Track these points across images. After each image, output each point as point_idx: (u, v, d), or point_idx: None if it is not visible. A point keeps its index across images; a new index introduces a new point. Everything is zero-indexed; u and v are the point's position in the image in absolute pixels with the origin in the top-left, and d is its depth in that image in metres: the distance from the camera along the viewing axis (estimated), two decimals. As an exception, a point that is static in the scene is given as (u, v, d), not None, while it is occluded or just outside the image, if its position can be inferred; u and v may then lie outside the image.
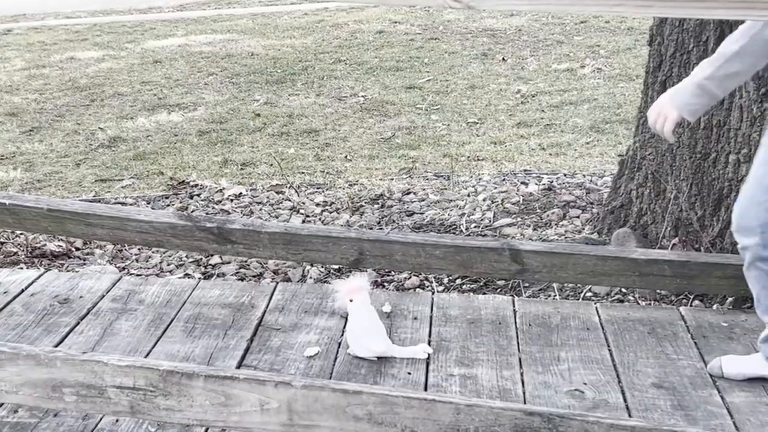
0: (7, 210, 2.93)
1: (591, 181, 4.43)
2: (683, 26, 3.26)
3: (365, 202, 4.38)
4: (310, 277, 3.54)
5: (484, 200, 4.21)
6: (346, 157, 5.35)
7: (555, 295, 3.23)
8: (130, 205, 4.46)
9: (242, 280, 3.48)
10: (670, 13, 1.76)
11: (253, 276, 3.57)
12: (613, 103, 6.16)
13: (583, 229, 3.78)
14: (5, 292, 2.93)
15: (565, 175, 4.60)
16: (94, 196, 4.76)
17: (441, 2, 1.76)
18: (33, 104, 7.11)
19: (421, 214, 4.14)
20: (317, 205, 4.41)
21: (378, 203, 4.36)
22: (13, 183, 5.08)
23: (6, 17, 13.54)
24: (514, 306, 2.99)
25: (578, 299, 3.20)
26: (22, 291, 2.96)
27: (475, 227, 3.90)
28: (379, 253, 2.95)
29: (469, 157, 5.16)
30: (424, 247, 2.93)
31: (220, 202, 4.55)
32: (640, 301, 3.16)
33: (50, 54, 9.51)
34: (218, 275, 3.57)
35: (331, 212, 4.31)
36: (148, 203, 4.58)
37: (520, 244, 2.93)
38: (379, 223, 4.09)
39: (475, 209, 4.11)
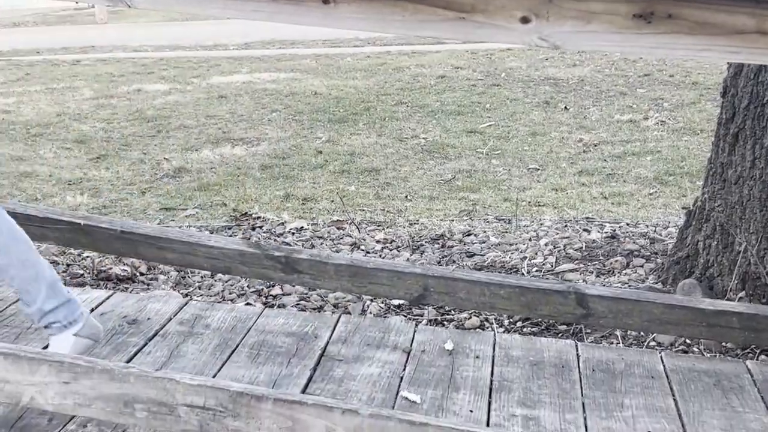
0: (82, 230, 3.00)
1: (655, 231, 4.40)
2: (758, 78, 3.25)
3: (426, 242, 4.39)
4: (370, 312, 3.55)
5: (545, 245, 4.20)
6: (406, 196, 5.38)
7: (618, 342, 3.20)
8: (193, 232, 4.52)
9: (303, 311, 3.50)
10: (757, 60, 1.76)
11: (314, 308, 3.59)
12: (676, 155, 6.12)
13: (647, 278, 3.74)
14: (75, 311, 2.99)
15: (628, 224, 4.57)
16: (159, 223, 4.84)
17: (528, 41, 1.78)
18: (101, 133, 7.29)
19: (481, 255, 4.14)
20: (378, 242, 4.44)
21: (438, 243, 4.37)
22: (80, 208, 5.19)
23: (76, 48, 13.93)
24: (577, 350, 2.97)
25: (642, 347, 3.16)
26: (92, 310, 3.01)
27: (536, 271, 3.89)
28: (444, 290, 2.95)
29: (530, 202, 5.16)
30: (488, 286, 2.93)
31: (282, 235, 4.60)
32: (705, 353, 3.12)
33: (118, 85, 9.75)
34: (279, 306, 3.60)
35: (391, 250, 4.33)
36: (212, 233, 4.64)
37: (586, 288, 2.91)
38: (439, 262, 4.10)
39: (536, 253, 4.10)
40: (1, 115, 8.07)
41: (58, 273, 3.88)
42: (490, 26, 1.77)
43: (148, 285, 3.84)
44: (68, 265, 4.01)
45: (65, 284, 3.62)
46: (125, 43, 14.04)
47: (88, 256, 4.04)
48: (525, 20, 1.76)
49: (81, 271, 3.91)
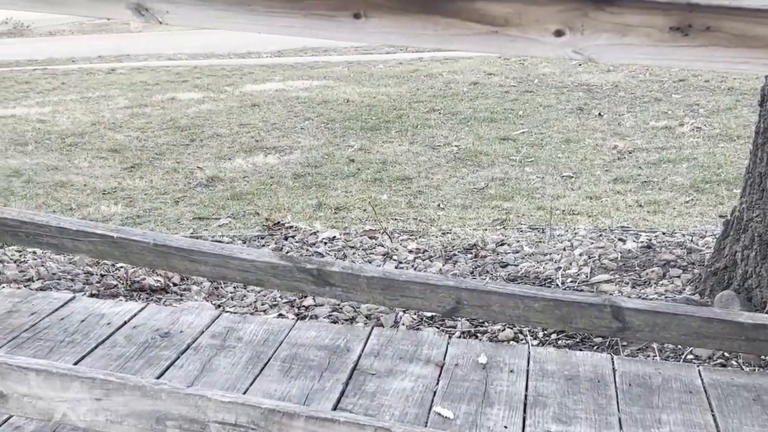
0: (115, 243, 3.01)
1: (692, 240, 4.33)
2: (797, 87, 3.18)
3: (458, 252, 4.36)
4: (403, 324, 3.53)
5: (580, 255, 4.15)
6: (438, 205, 5.35)
7: (655, 356, 3.15)
8: (228, 243, 4.53)
9: (335, 323, 3.49)
10: (799, 71, 1.73)
11: (346, 319, 3.58)
12: (713, 162, 6.04)
13: (684, 289, 3.68)
14: (108, 324, 3.00)
15: (664, 233, 4.51)
16: (192, 233, 4.86)
17: (562, 54, 1.76)
18: (135, 142, 7.34)
19: (515, 266, 4.10)
20: (410, 251, 4.42)
21: (471, 253, 4.33)
22: (114, 217, 5.22)
23: (111, 57, 14.07)
24: (613, 364, 2.92)
25: (679, 360, 3.11)
26: (125, 323, 3.02)
27: (571, 282, 3.84)
28: (477, 303, 2.92)
29: (564, 210, 5.11)
30: (522, 299, 2.89)
31: (314, 244, 4.59)
32: (744, 366, 3.06)
33: (152, 94, 9.82)
34: (311, 317, 3.59)
35: (423, 260, 4.30)
36: (244, 242, 4.65)
37: (622, 301, 2.86)
38: (472, 273, 4.07)
39: (571, 264, 4.05)
40: (37, 125, 8.16)
41: (92, 284, 3.91)
42: (523, 40, 1.74)
43: (181, 296, 3.85)
44: (102, 276, 4.03)
45: (99, 296, 3.65)
46: (160, 52, 14.15)
47: (121, 267, 4.06)
48: (559, 33, 1.73)
49: (115, 282, 3.93)
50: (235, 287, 3.94)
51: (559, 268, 4.01)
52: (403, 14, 1.77)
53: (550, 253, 4.24)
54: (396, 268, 4.14)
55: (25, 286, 3.83)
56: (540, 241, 4.47)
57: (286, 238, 4.70)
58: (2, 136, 7.70)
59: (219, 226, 5.05)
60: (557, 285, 3.81)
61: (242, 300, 3.81)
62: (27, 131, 7.87)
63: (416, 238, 4.63)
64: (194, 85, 10.43)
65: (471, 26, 1.75)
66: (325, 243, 4.60)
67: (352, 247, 4.52)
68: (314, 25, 1.81)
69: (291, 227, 4.88)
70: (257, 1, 1.84)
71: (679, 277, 3.81)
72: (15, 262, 4.26)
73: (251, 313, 3.58)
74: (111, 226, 3.24)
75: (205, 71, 11.62)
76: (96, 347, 2.85)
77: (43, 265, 4.15)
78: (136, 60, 13.57)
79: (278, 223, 4.97)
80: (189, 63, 12.77)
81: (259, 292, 3.85)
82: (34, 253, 4.34)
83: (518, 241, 4.48)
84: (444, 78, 10.02)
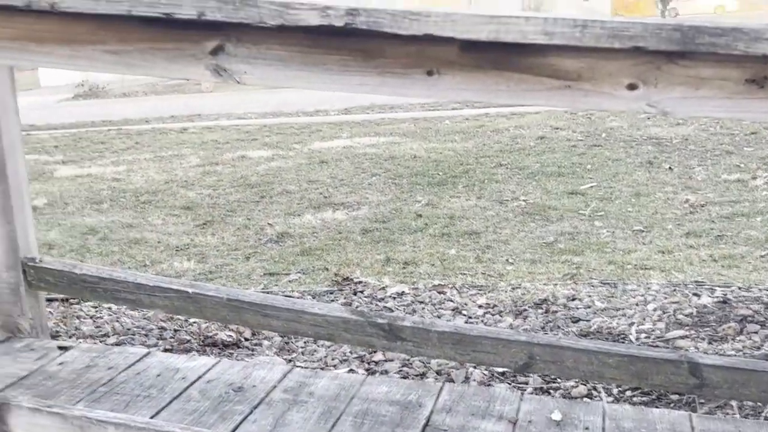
0: (190, 298, 3.06)
1: (769, 295, 4.23)
2: None
3: (529, 307, 4.33)
4: (474, 379, 3.50)
5: (654, 310, 4.08)
6: (507, 260, 5.33)
7: (734, 413, 3.07)
8: (298, 298, 4.57)
9: (405, 378, 3.48)
10: None
11: (416, 375, 3.57)
12: (788, 215, 5.92)
13: (762, 345, 3.59)
14: (183, 378, 3.03)
15: (740, 288, 4.41)
16: (263, 288, 4.91)
17: (636, 108, 1.76)
18: (207, 199, 7.48)
19: (587, 321, 4.05)
20: (479, 306, 4.39)
21: (542, 308, 4.29)
22: (187, 273, 5.31)
23: (183, 117, 14.43)
24: (691, 422, 2.85)
25: (759, 418, 3.02)
26: (199, 378, 3.05)
27: (645, 338, 3.77)
28: (550, 359, 2.89)
29: (635, 265, 5.04)
30: (596, 354, 2.85)
31: (383, 299, 4.60)
32: (829, 426, 2.95)
33: (223, 152, 10.03)
34: (382, 372, 3.58)
35: (493, 315, 4.28)
36: (314, 298, 4.68)
37: (700, 357, 2.81)
38: (543, 328, 4.03)
39: (644, 319, 3.99)
40: (113, 183, 8.38)
41: (166, 339, 3.98)
42: (596, 94, 1.75)
43: (252, 350, 3.88)
44: (176, 331, 4.10)
45: (173, 351, 3.71)
46: (230, 111, 14.47)
47: (194, 322, 4.12)
48: (632, 87, 1.74)
49: (188, 337, 3.98)
50: (305, 342, 3.96)
51: (633, 323, 3.94)
52: (475, 71, 1.79)
53: (623, 309, 4.18)
54: (466, 323, 4.12)
55: (101, 341, 3.91)
56: (612, 296, 4.41)
57: (355, 293, 4.73)
58: (79, 194, 7.93)
59: (289, 281, 5.09)
60: (631, 341, 3.75)
61: (312, 355, 3.82)
62: (102, 190, 8.09)
63: (485, 293, 4.61)
64: (264, 143, 10.63)
65: (544, 81, 1.76)
66: (394, 298, 4.61)
67: (421, 302, 4.52)
68: (388, 82, 1.85)
69: (360, 282, 4.91)
70: (332, 61, 1.88)
71: (756, 332, 3.72)
72: (91, 317, 4.35)
73: (322, 368, 3.59)
74: (186, 281, 3.30)
75: (274, 129, 11.84)
76: (171, 401, 2.89)
77: (118, 321, 4.24)
78: (208, 119, 13.90)
79: (347, 278, 4.99)
80: (258, 122, 13.03)
81: (329, 347, 3.86)
82: (110, 308, 4.43)
83: (589, 296, 4.43)
84: (510, 133, 10.03)
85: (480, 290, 4.68)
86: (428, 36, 1.74)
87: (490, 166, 8.23)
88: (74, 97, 24.50)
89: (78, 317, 4.30)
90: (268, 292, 4.71)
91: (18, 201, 3.05)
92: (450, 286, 4.70)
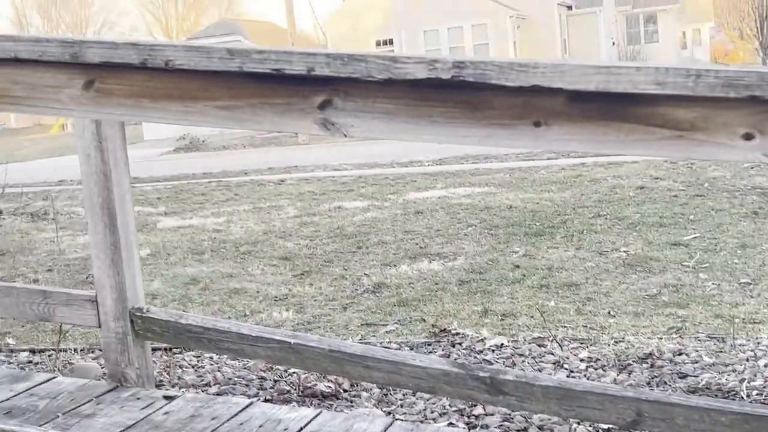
0: (292, 349, 3.08)
1: None
2: None
3: (633, 361, 4.21)
4: (577, 436, 3.41)
5: (765, 366, 3.92)
6: (609, 312, 5.21)
7: None
8: (396, 349, 4.55)
9: (507, 433, 3.41)
10: None
11: (517, 430, 3.50)
12: None
13: None
14: (285, 429, 3.04)
15: None
16: (361, 339, 4.91)
17: (751, 158, 1.71)
18: (304, 249, 7.57)
19: (695, 377, 3.92)
20: (582, 360, 4.30)
21: (647, 363, 4.17)
22: (286, 323, 5.35)
23: (280, 168, 14.70)
24: (811, 486, 2.71)
25: None
26: (301, 429, 3.05)
27: (757, 395, 3.62)
28: (659, 416, 2.79)
29: (744, 319, 4.86)
30: (708, 412, 2.74)
31: (482, 351, 4.54)
32: None
33: (319, 203, 10.16)
34: (482, 426, 3.53)
35: (596, 369, 4.17)
36: (411, 349, 4.66)
37: (819, 416, 2.67)
38: (648, 383, 3.91)
39: (755, 375, 3.83)
40: (213, 234, 8.57)
41: (266, 389, 4.01)
42: (710, 144, 1.71)
43: (351, 402, 3.87)
44: (275, 381, 4.12)
45: (273, 401, 3.73)
46: (326, 163, 14.69)
47: (294, 373, 4.13)
48: (748, 137, 1.69)
49: (288, 387, 4.00)
50: (404, 394, 3.94)
51: (744, 379, 3.79)
52: (583, 121, 1.77)
53: (733, 364, 4.03)
54: (568, 377, 4.03)
55: (203, 391, 3.96)
56: (720, 351, 4.26)
57: (453, 345, 4.68)
58: (181, 245, 8.12)
59: (386, 332, 5.09)
60: (742, 398, 3.61)
61: (411, 407, 3.79)
62: (203, 240, 8.28)
63: (587, 347, 4.51)
64: (359, 193, 10.73)
65: (655, 131, 1.73)
66: (493, 350, 4.55)
67: (521, 355, 4.45)
68: (495, 134, 1.84)
69: (457, 334, 4.86)
70: (438, 113, 1.89)
71: None
72: (193, 367, 4.42)
73: (422, 422, 3.55)
74: (287, 332, 3.33)
75: (370, 180, 11.95)
76: (273, 452, 2.90)
77: (219, 371, 4.29)
78: (304, 171, 14.13)
79: (444, 329, 4.96)
80: (354, 173, 13.18)
81: (428, 400, 3.82)
82: (211, 358, 4.50)
83: (697, 351, 4.29)
84: (608, 183, 9.89)
85: (582, 343, 4.58)
86: (536, 87, 1.73)
87: (589, 216, 8.11)
88: (175, 150, 25.27)
89: (180, 366, 4.38)
90: (366, 343, 4.71)
91: (127, 252, 3.14)
92: (550, 338, 4.62)
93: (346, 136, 1.95)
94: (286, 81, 1.92)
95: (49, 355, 4.63)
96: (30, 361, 4.65)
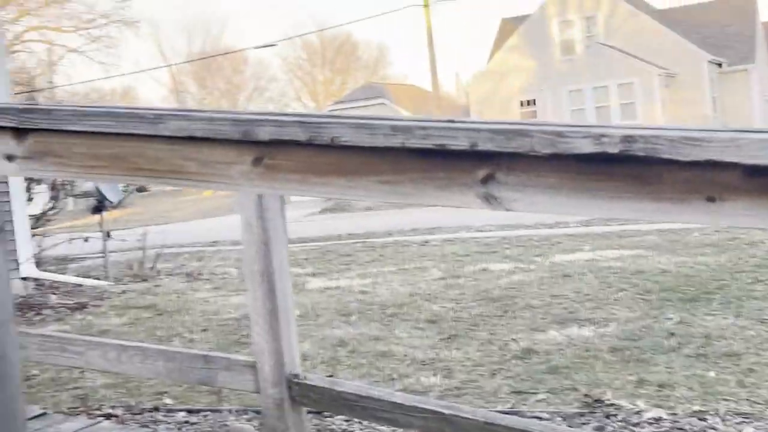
0: (446, 419, 3.05)
1: None
2: None
3: (803, 439, 3.97)
4: None
5: None
6: (775, 385, 4.94)
7: None
8: (546, 420, 4.45)
9: None
10: None
11: None
12: None
13: None
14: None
15: None
16: (511, 408, 4.82)
17: None
18: (450, 312, 7.54)
19: None
20: (747, 437, 4.08)
21: (819, 442, 3.92)
22: (433, 388, 5.32)
23: (423, 230, 14.78)
24: None
25: None
26: (453, 501, 3.01)
27: None
28: (840, 504, 2.61)
29: None
30: None
31: (638, 424, 4.38)
32: None
33: (464, 265, 10.12)
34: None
35: (765, 447, 3.95)
36: (564, 420, 4.53)
37: None
38: (823, 465, 3.66)
39: None
40: (359, 296, 8.65)
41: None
42: None
43: (503, 474, 3.79)
44: (425, 449, 4.08)
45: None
46: (469, 224, 14.66)
47: (444, 441, 4.09)
48: None
49: (438, 456, 3.96)
50: (557, 468, 3.83)
51: None
52: (762, 197, 1.70)
53: None
54: (732, 455, 3.83)
55: (354, 456, 3.97)
56: None
57: (607, 417, 4.53)
58: (329, 306, 8.24)
59: (537, 401, 4.97)
60: None
61: (566, 482, 3.68)
62: (350, 302, 8.37)
63: (752, 422, 4.28)
64: (504, 255, 10.64)
65: (839, 206, 1.64)
66: (651, 423, 4.37)
67: (680, 429, 4.26)
68: (664, 208, 1.79)
69: (612, 405, 4.71)
70: (603, 187, 1.85)
71: None
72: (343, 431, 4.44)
73: (577, 498, 3.44)
74: (441, 402, 3.31)
75: (514, 242, 11.84)
76: None
77: (369, 436, 4.30)
78: (447, 232, 14.15)
79: (598, 399, 4.81)
80: (497, 234, 13.10)
81: (583, 475, 3.71)
82: (360, 423, 4.51)
83: None
84: (767, 246, 9.46)
85: (746, 418, 4.35)
86: (709, 162, 1.67)
87: (747, 281, 7.75)
88: (321, 212, 25.86)
89: (331, 431, 4.41)
90: (516, 412, 4.61)
91: (285, 319, 3.21)
92: (712, 412, 4.41)
93: (508, 210, 1.94)
94: (449, 156, 1.93)
95: (205, 416, 4.76)
96: (186, 421, 4.78)
